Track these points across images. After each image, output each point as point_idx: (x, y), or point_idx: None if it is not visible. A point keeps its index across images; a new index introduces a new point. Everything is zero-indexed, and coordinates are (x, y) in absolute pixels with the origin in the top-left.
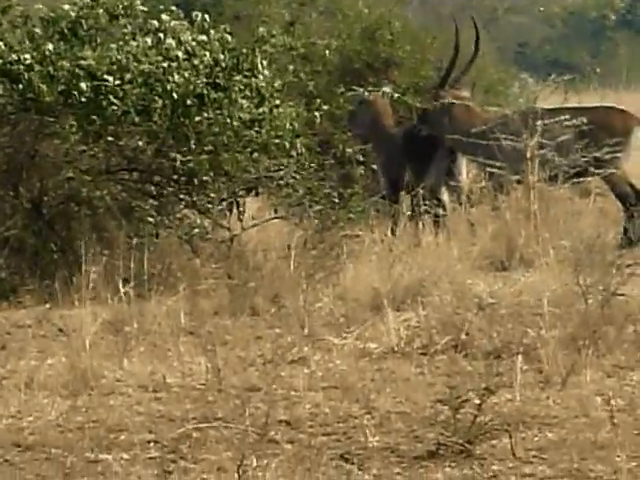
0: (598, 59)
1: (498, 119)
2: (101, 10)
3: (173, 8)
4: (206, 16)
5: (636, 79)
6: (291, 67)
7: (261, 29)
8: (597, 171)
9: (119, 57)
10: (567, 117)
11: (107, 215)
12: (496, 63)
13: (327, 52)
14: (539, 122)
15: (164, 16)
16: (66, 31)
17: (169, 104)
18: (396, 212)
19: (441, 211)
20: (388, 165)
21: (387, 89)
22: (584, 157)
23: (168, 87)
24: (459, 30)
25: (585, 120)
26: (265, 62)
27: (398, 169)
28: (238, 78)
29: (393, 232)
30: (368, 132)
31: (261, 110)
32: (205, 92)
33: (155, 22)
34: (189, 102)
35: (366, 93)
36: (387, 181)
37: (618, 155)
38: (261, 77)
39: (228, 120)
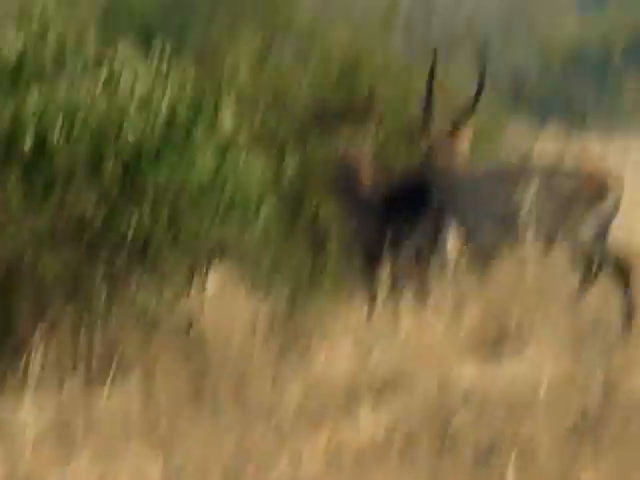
0: (603, 96)
1: (485, 173)
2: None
3: (130, 39)
4: (166, 50)
5: None
6: (260, 108)
7: (228, 65)
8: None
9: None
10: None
11: (52, 289)
12: (489, 102)
13: (300, 92)
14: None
15: (120, 47)
16: (8, 72)
17: (121, 161)
18: (373, 286)
19: (424, 285)
20: (362, 231)
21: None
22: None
23: (121, 140)
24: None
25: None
26: (231, 101)
27: (375, 235)
28: (199, 121)
29: (370, 311)
30: (339, 192)
31: (225, 163)
32: (162, 139)
33: (109, 53)
34: (144, 152)
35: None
36: (362, 249)
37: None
38: (226, 120)
39: (188, 174)
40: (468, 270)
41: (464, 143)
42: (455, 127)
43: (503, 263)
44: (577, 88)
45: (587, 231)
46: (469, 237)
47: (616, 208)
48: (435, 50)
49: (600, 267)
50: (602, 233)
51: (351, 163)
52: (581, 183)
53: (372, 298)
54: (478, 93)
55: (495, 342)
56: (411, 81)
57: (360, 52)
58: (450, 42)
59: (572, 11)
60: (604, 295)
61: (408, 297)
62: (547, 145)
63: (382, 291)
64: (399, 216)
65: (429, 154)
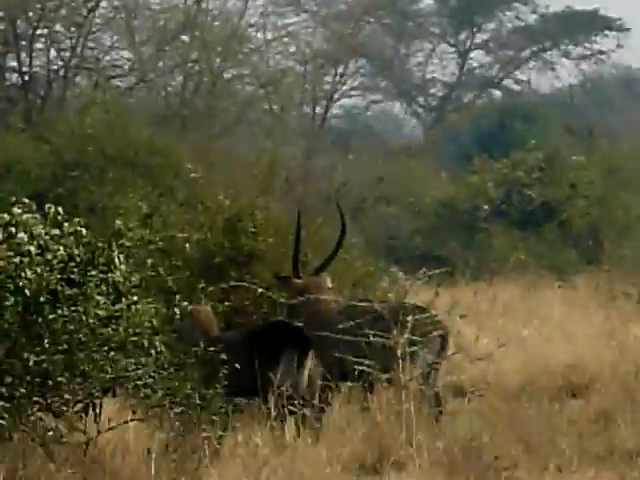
0: (471, 251)
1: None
2: None
3: (25, 200)
4: (59, 208)
5: (510, 273)
6: (149, 261)
7: (117, 222)
8: None
9: None
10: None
11: None
12: (364, 256)
13: (187, 245)
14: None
15: (15, 209)
16: None
17: (21, 301)
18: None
19: (308, 411)
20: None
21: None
22: None
23: (20, 284)
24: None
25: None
26: (122, 256)
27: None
28: (94, 273)
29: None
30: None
31: (118, 307)
32: (59, 288)
33: (6, 215)
34: (42, 299)
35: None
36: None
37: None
38: (118, 272)
39: (84, 317)
40: (349, 398)
41: (327, 284)
42: (319, 271)
43: (381, 391)
44: (447, 242)
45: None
46: (334, 367)
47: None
48: (299, 211)
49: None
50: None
51: (202, 320)
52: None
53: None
54: (338, 245)
55: (376, 463)
56: (288, 235)
57: (242, 211)
58: (326, 202)
59: (440, 173)
60: (474, 421)
61: (291, 424)
62: (419, 295)
63: (266, 419)
64: (265, 354)
65: (301, 292)
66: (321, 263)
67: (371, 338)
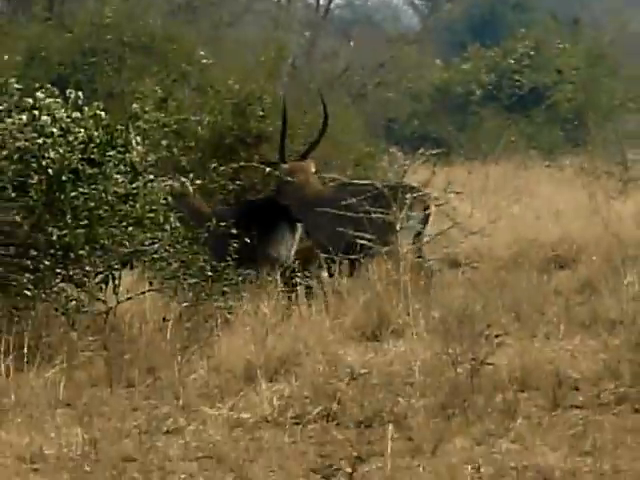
0: (465, 133)
1: (334, 190)
2: None
3: (48, 86)
4: (80, 93)
5: (502, 153)
6: (164, 142)
7: (134, 106)
8: None
9: None
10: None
11: None
12: (365, 137)
13: (199, 128)
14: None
15: (39, 94)
16: None
17: (45, 180)
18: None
19: (314, 282)
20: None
21: (184, 180)
22: None
23: (43, 163)
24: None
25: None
26: (139, 138)
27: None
28: (112, 153)
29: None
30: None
31: (135, 184)
32: (80, 167)
33: (30, 100)
34: (64, 177)
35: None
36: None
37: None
38: (135, 152)
39: (103, 195)
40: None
41: (312, 167)
42: (304, 156)
43: (381, 263)
44: (442, 125)
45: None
46: (324, 241)
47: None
48: (284, 96)
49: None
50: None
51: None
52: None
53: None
54: (319, 136)
55: (375, 331)
56: (296, 117)
57: (251, 93)
58: (329, 86)
59: (435, 60)
60: (467, 291)
61: (298, 294)
62: (417, 174)
63: (272, 290)
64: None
65: (288, 175)
66: (305, 149)
67: (372, 215)
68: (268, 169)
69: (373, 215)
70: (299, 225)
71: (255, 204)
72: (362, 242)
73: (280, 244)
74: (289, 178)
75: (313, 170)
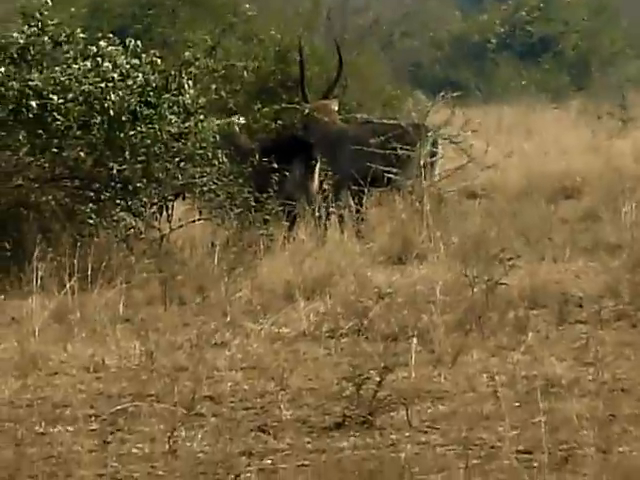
0: (481, 78)
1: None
2: (46, 37)
3: (109, 35)
4: (138, 42)
5: (514, 95)
6: (213, 86)
7: (186, 53)
8: None
9: (62, 79)
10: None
11: (52, 218)
12: (392, 81)
13: (245, 73)
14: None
15: (101, 42)
16: (15, 56)
17: (106, 120)
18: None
19: (345, 212)
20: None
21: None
22: None
23: (105, 105)
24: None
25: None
26: (190, 82)
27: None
28: (167, 96)
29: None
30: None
31: (187, 124)
32: (138, 109)
33: (94, 48)
34: (124, 118)
35: None
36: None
37: None
38: (187, 95)
39: (158, 133)
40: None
41: (335, 106)
42: (326, 96)
43: (405, 195)
44: (461, 70)
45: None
46: (343, 175)
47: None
48: (300, 40)
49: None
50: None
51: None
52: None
53: (291, 223)
54: (337, 76)
55: (400, 256)
56: (329, 66)
57: (291, 42)
58: (360, 35)
59: (455, 12)
60: (483, 219)
61: (330, 224)
62: (437, 115)
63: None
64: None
65: (312, 112)
66: (326, 89)
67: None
68: (306, 111)
69: (399, 152)
70: (317, 161)
71: (278, 141)
72: (389, 175)
73: (305, 178)
74: (313, 116)
75: (335, 108)
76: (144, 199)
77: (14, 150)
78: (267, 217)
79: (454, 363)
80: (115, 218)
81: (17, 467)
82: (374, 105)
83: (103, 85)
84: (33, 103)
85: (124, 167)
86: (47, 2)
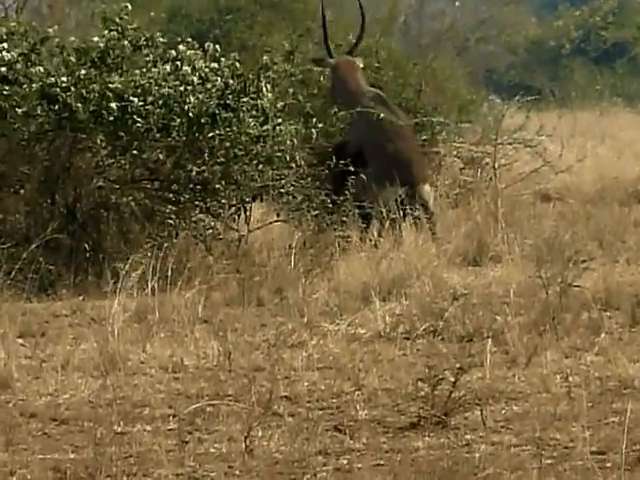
0: (556, 83)
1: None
2: (126, 41)
3: (189, 39)
4: (217, 46)
5: (588, 100)
6: (291, 90)
7: (265, 57)
8: None
9: (142, 82)
10: None
11: (132, 219)
12: (468, 85)
13: (322, 77)
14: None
15: (181, 46)
16: (96, 59)
17: (186, 122)
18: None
19: (422, 214)
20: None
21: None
22: None
23: (185, 108)
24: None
25: None
26: (269, 86)
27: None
28: (245, 100)
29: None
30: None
31: (265, 127)
32: (217, 112)
33: (173, 52)
34: (203, 121)
35: None
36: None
37: None
38: (265, 99)
39: (237, 136)
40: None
41: (360, 63)
42: (349, 53)
43: (481, 197)
44: (536, 75)
45: None
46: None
47: None
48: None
49: None
50: None
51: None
52: None
53: (365, 228)
54: (360, 34)
55: (476, 257)
56: (405, 70)
57: (368, 47)
58: (437, 39)
59: (531, 17)
60: (557, 222)
61: (406, 226)
62: (513, 119)
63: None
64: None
65: (335, 68)
66: (350, 47)
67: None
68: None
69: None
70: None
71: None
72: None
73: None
74: (336, 72)
75: (361, 66)
76: (223, 201)
77: (95, 152)
78: (344, 219)
79: (528, 364)
80: (194, 219)
81: (96, 466)
82: (449, 108)
83: (182, 88)
84: (113, 105)
85: (203, 169)
86: (127, 7)
